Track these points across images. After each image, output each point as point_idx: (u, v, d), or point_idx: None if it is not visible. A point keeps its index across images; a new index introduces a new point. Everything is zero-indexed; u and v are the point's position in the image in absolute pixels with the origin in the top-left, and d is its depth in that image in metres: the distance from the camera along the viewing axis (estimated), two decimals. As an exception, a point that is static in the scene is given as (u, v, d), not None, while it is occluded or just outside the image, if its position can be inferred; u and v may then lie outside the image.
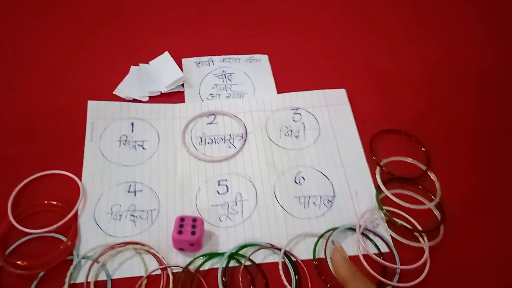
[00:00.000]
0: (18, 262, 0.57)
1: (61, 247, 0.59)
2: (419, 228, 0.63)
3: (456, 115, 0.78)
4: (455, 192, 0.68)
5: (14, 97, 0.74)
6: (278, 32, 0.88)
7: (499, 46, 0.90)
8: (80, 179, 0.66)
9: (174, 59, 0.80)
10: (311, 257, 0.60)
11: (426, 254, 0.61)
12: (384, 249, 0.62)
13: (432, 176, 0.69)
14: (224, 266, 0.59)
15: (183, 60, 0.82)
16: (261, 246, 0.61)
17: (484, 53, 0.88)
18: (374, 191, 0.67)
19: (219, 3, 0.92)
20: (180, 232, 0.58)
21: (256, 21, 0.90)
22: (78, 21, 0.86)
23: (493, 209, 0.67)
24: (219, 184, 0.67)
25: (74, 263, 0.58)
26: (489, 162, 0.72)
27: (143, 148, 0.70)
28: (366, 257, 0.60)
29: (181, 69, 0.79)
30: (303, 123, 0.74)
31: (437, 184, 0.68)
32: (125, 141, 0.71)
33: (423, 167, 0.70)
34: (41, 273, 0.57)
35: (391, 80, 0.82)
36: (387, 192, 0.66)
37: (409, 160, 0.71)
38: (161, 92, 0.76)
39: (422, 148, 0.72)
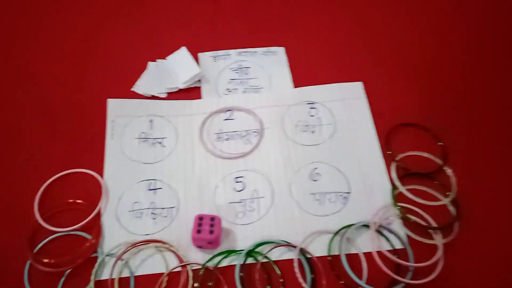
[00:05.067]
0: (46, 260, 0.60)
1: (86, 245, 0.62)
2: (434, 224, 0.64)
3: (476, 109, 0.77)
4: (472, 187, 0.68)
5: (35, 98, 0.76)
6: (295, 24, 0.88)
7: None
8: (102, 177, 0.68)
9: (191, 53, 0.81)
10: (326, 254, 0.62)
11: (440, 251, 0.61)
12: (398, 246, 0.63)
13: (448, 172, 0.69)
14: (241, 263, 0.61)
15: (200, 55, 0.82)
16: (277, 244, 0.63)
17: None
18: (389, 187, 0.68)
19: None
20: (199, 231, 0.60)
21: (273, 12, 0.89)
22: (94, 19, 0.87)
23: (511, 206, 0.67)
24: (236, 181, 0.69)
25: (99, 260, 0.61)
26: (509, 157, 0.71)
27: (162, 146, 0.72)
28: (380, 254, 0.61)
29: (198, 63, 0.80)
30: (319, 118, 0.75)
31: (453, 180, 0.68)
32: (145, 138, 0.72)
33: (440, 162, 0.70)
34: (68, 271, 0.60)
35: (409, 72, 0.81)
36: (401, 189, 0.66)
37: (425, 154, 0.71)
38: (178, 88, 0.77)
39: (439, 143, 0.71)
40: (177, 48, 0.81)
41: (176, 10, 0.88)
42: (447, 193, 0.67)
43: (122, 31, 0.85)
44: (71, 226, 0.64)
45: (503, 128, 0.75)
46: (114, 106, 0.74)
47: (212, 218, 0.61)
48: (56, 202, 0.66)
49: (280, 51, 0.83)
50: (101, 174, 0.69)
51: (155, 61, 0.81)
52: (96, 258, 0.61)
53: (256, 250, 0.62)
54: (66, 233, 0.64)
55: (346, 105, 0.76)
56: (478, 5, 0.91)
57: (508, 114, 0.76)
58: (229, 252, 0.62)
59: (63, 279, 0.60)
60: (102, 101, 0.75)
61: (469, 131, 0.74)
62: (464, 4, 0.91)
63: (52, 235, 0.63)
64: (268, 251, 0.62)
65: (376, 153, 0.71)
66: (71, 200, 0.66)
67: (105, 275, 0.60)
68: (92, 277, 0.59)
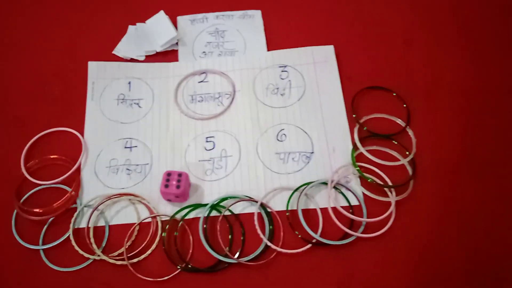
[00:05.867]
0: (31, 209, 0.66)
1: (67, 196, 0.68)
2: (389, 183, 0.67)
3: (441, 72, 0.78)
4: (431, 148, 0.71)
5: (18, 61, 0.80)
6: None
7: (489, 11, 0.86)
8: (83, 135, 0.73)
9: (171, 16, 0.83)
10: (285, 209, 0.66)
11: (392, 207, 0.65)
12: (354, 202, 0.67)
13: (410, 133, 0.72)
14: (205, 215, 0.66)
15: (178, 18, 0.85)
16: (240, 199, 0.67)
17: (476, 18, 0.85)
18: (351, 147, 0.71)
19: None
20: (166, 186, 0.65)
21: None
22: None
23: (464, 166, 0.70)
24: (206, 141, 0.73)
25: (78, 210, 0.67)
26: (467, 120, 0.74)
27: (139, 106, 0.76)
28: (335, 210, 0.66)
29: (176, 27, 0.83)
30: (290, 80, 0.77)
31: (414, 141, 0.71)
32: (123, 99, 0.76)
33: (403, 124, 0.72)
34: (50, 219, 0.66)
35: (379, 36, 0.82)
36: (362, 149, 0.69)
37: (389, 117, 0.73)
38: (156, 51, 0.80)
39: (404, 105, 0.74)
40: (158, 11, 0.83)
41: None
42: (407, 154, 0.70)
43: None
44: (53, 180, 0.69)
45: (468, 91, 0.77)
46: (95, 69, 0.78)
47: (180, 174, 0.66)
48: (40, 158, 0.71)
49: (257, 15, 0.85)
50: (81, 132, 0.73)
51: (135, 24, 0.83)
52: (75, 208, 0.67)
53: (221, 204, 0.67)
54: (49, 185, 0.69)
55: (316, 68, 0.78)
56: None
57: (474, 79, 0.78)
58: (195, 206, 0.67)
59: (46, 226, 0.66)
60: (84, 64, 0.79)
61: (434, 93, 0.76)
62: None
63: (36, 187, 0.69)
64: (231, 205, 0.67)
65: (342, 116, 0.74)
66: (53, 156, 0.72)
67: (83, 224, 0.66)
68: (71, 225, 0.65)
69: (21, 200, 0.68)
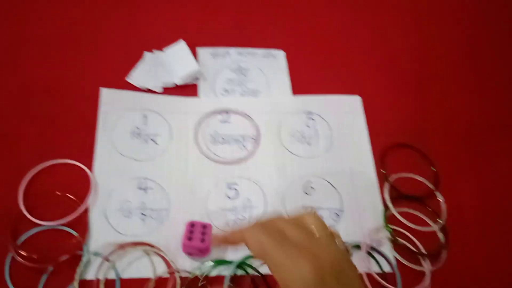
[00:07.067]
0: (29, 255, 0.58)
1: (72, 241, 0.60)
2: (423, 250, 0.65)
3: (471, 135, 0.78)
4: (462, 215, 0.69)
5: (26, 82, 0.72)
6: (297, 28, 0.85)
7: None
8: (91, 170, 0.66)
9: (188, 45, 0.78)
10: (316, 271, 0.62)
11: (428, 278, 0.62)
12: (387, 269, 0.64)
13: (440, 197, 0.70)
14: (231, 275, 0.60)
15: (198, 50, 0.79)
16: (268, 257, 0.62)
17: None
18: (381, 207, 0.68)
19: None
20: (190, 238, 0.59)
21: (275, 13, 0.86)
22: (91, 2, 0.82)
23: (499, 236, 0.69)
24: (229, 188, 0.67)
25: (84, 259, 0.59)
26: (498, 187, 0.73)
27: (156, 143, 0.69)
28: (369, 276, 0.62)
29: (196, 58, 0.77)
30: (317, 129, 0.74)
31: (444, 206, 0.69)
32: (138, 134, 0.70)
33: (432, 187, 0.71)
34: (51, 268, 0.58)
35: (410, 90, 0.81)
36: (393, 210, 0.67)
37: (418, 178, 0.71)
38: (175, 84, 0.75)
39: (432, 168, 0.72)
40: (174, 39, 0.77)
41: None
42: (437, 219, 0.68)
43: (119, 18, 0.81)
44: (56, 220, 0.61)
45: (498, 158, 0.76)
46: (108, 96, 0.71)
47: (204, 226, 0.60)
48: (41, 193, 0.63)
49: (280, 55, 0.81)
50: (90, 167, 0.66)
51: (151, 51, 0.77)
52: (80, 256, 0.60)
53: (247, 262, 0.62)
54: (51, 227, 0.61)
55: (344, 118, 0.75)
56: (479, 23, 0.92)
57: (505, 143, 0.78)
58: (219, 262, 0.61)
59: (45, 275, 0.58)
60: (95, 88, 0.72)
61: (464, 157, 0.75)
62: (466, 22, 0.92)
63: (35, 227, 0.61)
64: (259, 265, 0.62)
65: (370, 172, 0.71)
66: (58, 193, 0.64)
67: (90, 275, 0.58)
68: (77, 276, 0.57)
69: (18, 242, 0.59)
